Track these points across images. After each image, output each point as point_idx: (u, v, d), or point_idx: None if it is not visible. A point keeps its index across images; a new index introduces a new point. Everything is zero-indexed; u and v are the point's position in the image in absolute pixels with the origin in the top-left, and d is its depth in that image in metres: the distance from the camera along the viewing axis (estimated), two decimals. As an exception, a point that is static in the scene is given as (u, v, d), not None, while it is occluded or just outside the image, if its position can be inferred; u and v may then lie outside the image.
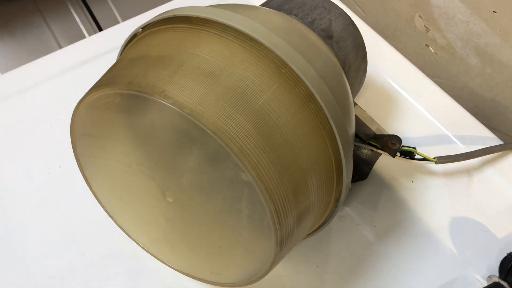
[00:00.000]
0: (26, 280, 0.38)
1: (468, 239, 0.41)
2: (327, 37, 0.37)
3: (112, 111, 0.29)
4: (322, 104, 0.28)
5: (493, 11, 0.47)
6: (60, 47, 0.71)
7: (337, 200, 0.33)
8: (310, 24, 0.37)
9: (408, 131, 0.47)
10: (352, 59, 0.39)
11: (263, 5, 0.40)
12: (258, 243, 0.29)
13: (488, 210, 0.42)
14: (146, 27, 0.32)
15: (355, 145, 0.41)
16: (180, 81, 0.26)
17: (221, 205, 0.29)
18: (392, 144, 0.40)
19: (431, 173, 0.44)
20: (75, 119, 0.31)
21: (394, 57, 0.53)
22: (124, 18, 0.73)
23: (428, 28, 0.56)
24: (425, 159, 0.41)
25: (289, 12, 0.37)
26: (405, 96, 0.50)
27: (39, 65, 0.53)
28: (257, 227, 0.28)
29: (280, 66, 0.28)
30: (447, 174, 0.44)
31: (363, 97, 0.50)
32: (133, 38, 0.33)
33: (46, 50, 0.69)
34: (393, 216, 0.42)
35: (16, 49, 0.69)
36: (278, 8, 0.38)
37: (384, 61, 0.52)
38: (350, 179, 0.33)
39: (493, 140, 0.46)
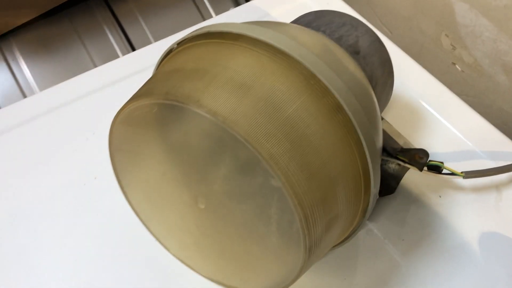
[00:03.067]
0: None
1: (497, 254, 0.41)
2: (354, 52, 0.38)
3: (148, 122, 0.31)
4: (350, 114, 0.29)
5: (520, 29, 0.48)
6: (95, 66, 0.74)
7: (364, 211, 0.33)
8: (338, 40, 0.38)
9: (435, 147, 0.47)
10: (379, 74, 0.40)
11: (292, 22, 0.42)
12: (287, 250, 0.30)
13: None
14: (181, 43, 0.34)
15: (382, 159, 0.42)
16: (214, 91, 0.28)
17: (251, 212, 0.30)
18: (419, 158, 0.40)
19: (459, 188, 0.44)
20: (114, 130, 0.32)
21: (420, 74, 0.53)
22: (157, 39, 0.76)
23: (454, 47, 0.56)
24: (452, 174, 0.42)
25: (317, 29, 0.38)
26: (431, 112, 0.50)
27: (76, 82, 0.56)
28: (286, 233, 0.29)
29: (308, 78, 0.29)
30: (475, 189, 0.44)
31: (390, 113, 0.50)
32: (168, 53, 0.35)
33: (82, 69, 0.72)
34: (421, 231, 0.42)
35: (55, 67, 0.73)
36: (307, 25, 0.40)
37: (410, 78, 0.53)
38: (378, 189, 0.33)
39: (522, 156, 0.46)
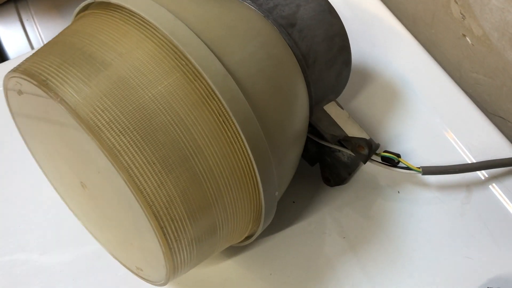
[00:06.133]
0: None
1: (449, 267, 0.35)
2: (288, 25, 0.33)
3: (23, 95, 0.29)
4: (223, 101, 0.25)
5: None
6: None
7: (259, 211, 0.29)
8: (268, 11, 0.33)
9: (409, 134, 0.41)
10: (322, 50, 0.35)
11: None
12: (154, 247, 0.27)
13: (479, 235, 0.36)
14: (80, 12, 0.31)
15: (332, 147, 0.37)
16: (67, 70, 0.25)
17: (118, 204, 0.28)
18: (361, 149, 0.35)
19: (422, 185, 0.39)
20: (7, 94, 0.30)
21: (412, 49, 0.47)
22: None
23: (464, 16, 0.48)
24: (408, 168, 0.36)
25: (250, -4, 0.34)
26: (415, 92, 0.44)
27: None
28: (149, 231, 0.26)
29: (180, 58, 0.26)
30: (441, 187, 0.38)
31: (366, 91, 0.45)
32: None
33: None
34: (367, 229, 0.37)
35: (64, 26, 0.73)
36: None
37: (400, 53, 0.47)
38: (274, 188, 0.29)
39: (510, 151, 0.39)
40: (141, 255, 0.31)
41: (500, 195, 0.37)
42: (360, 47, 0.47)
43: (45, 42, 0.72)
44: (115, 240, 0.33)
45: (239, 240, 0.33)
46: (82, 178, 0.30)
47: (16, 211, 0.40)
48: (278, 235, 0.38)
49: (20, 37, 0.73)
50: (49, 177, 0.35)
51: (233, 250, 0.37)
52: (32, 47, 0.73)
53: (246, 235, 0.32)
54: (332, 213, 0.38)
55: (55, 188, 0.36)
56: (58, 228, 0.39)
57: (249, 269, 0.37)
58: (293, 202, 0.39)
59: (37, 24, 0.73)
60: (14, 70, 0.27)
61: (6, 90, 0.30)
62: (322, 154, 0.38)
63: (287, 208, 0.39)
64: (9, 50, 0.73)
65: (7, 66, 0.50)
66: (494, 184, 0.38)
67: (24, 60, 0.28)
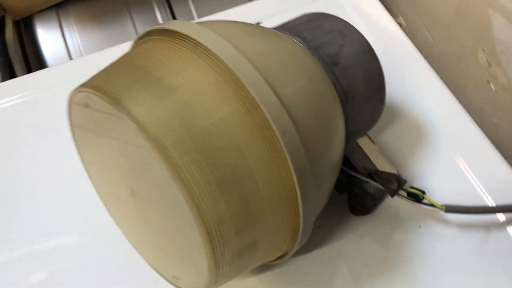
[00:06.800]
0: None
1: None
2: (332, 63, 0.36)
3: (90, 109, 0.31)
4: (276, 132, 0.28)
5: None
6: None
7: (296, 233, 0.32)
8: (315, 48, 0.36)
9: (432, 172, 0.44)
10: (361, 88, 0.37)
11: (281, 24, 0.40)
12: (199, 258, 0.29)
13: (495, 275, 0.38)
14: (149, 33, 0.34)
15: (362, 178, 0.39)
16: (137, 90, 0.28)
17: (170, 218, 0.30)
18: (390, 183, 0.37)
19: (443, 221, 0.41)
20: (70, 108, 0.33)
21: (439, 90, 0.49)
22: (200, 16, 0.77)
23: (490, 63, 0.51)
24: (432, 205, 0.38)
25: (297, 33, 0.37)
26: (439, 133, 0.46)
27: (118, 51, 0.59)
28: (197, 244, 0.28)
29: (240, 88, 0.28)
30: (461, 225, 0.40)
31: (393, 127, 0.47)
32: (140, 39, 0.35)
33: (125, 39, 0.75)
34: (388, 258, 0.39)
35: (102, 35, 0.77)
36: (291, 28, 0.38)
37: (426, 93, 0.49)
38: (314, 212, 0.31)
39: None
40: (181, 265, 0.33)
41: (516, 237, 0.39)
42: (390, 85, 0.49)
43: (82, 51, 0.76)
44: (156, 248, 0.35)
45: (272, 259, 0.35)
46: (134, 188, 0.32)
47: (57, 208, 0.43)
48: (302, 257, 0.40)
49: (59, 43, 0.76)
50: (95, 182, 0.38)
51: (260, 268, 0.39)
52: (69, 54, 0.76)
53: (279, 254, 0.34)
54: (355, 241, 0.41)
55: (99, 194, 0.38)
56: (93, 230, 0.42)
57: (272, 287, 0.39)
58: (319, 227, 0.41)
59: (76, 32, 0.76)
60: (84, 85, 0.30)
61: (71, 103, 0.32)
62: (351, 184, 0.41)
63: (313, 233, 0.41)
64: (47, 55, 0.76)
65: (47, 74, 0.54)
66: (511, 227, 0.40)
67: (93, 77, 0.31)
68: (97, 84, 0.29)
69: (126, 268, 0.40)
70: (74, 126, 0.35)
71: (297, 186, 0.29)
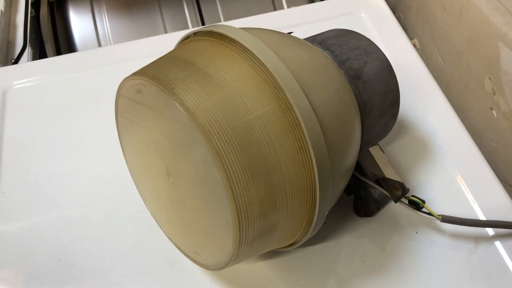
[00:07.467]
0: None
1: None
2: (355, 76, 0.40)
3: (141, 97, 0.35)
4: (305, 132, 0.32)
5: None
6: (165, 32, 0.80)
7: (310, 223, 0.36)
8: (342, 62, 0.40)
9: (432, 184, 0.48)
10: (378, 102, 0.41)
11: (312, 36, 0.44)
12: (224, 237, 0.33)
13: (480, 284, 0.42)
14: (196, 33, 0.38)
15: (368, 182, 0.43)
16: (190, 84, 0.32)
17: (203, 198, 0.34)
18: (396, 190, 0.41)
19: (438, 230, 0.45)
20: (118, 99, 0.37)
21: (445, 110, 0.53)
22: (226, 19, 0.81)
23: (494, 92, 0.55)
24: (430, 214, 0.42)
25: (326, 47, 0.41)
26: (442, 149, 0.50)
27: (146, 43, 0.63)
28: (225, 222, 0.32)
29: (277, 91, 0.32)
30: (453, 235, 0.45)
31: (400, 140, 0.51)
32: (186, 38, 0.39)
33: (153, 32, 0.79)
34: (384, 259, 0.43)
35: (131, 26, 0.80)
36: (321, 41, 0.42)
37: (434, 112, 0.53)
38: (327, 206, 0.35)
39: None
40: (204, 242, 0.37)
41: (503, 252, 0.43)
42: (402, 101, 0.53)
43: (111, 38, 0.80)
44: (181, 224, 0.39)
45: (284, 246, 0.39)
46: (172, 168, 0.36)
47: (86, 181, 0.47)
48: (308, 249, 0.44)
49: (89, 28, 0.80)
50: (130, 163, 0.42)
51: (268, 254, 0.43)
52: (98, 40, 0.80)
53: (291, 242, 0.38)
54: (357, 239, 0.45)
55: (132, 174, 0.42)
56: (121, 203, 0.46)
57: (279, 273, 0.43)
58: (325, 223, 0.45)
59: (107, 19, 0.80)
60: (138, 73, 0.34)
61: (119, 94, 0.37)
62: (358, 188, 0.45)
63: (319, 228, 0.45)
64: (77, 37, 0.80)
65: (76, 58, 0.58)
66: (499, 242, 0.44)
67: (146, 68, 0.35)
68: (154, 75, 0.33)
69: (147, 242, 0.44)
70: (119, 115, 0.39)
71: (317, 181, 0.33)
